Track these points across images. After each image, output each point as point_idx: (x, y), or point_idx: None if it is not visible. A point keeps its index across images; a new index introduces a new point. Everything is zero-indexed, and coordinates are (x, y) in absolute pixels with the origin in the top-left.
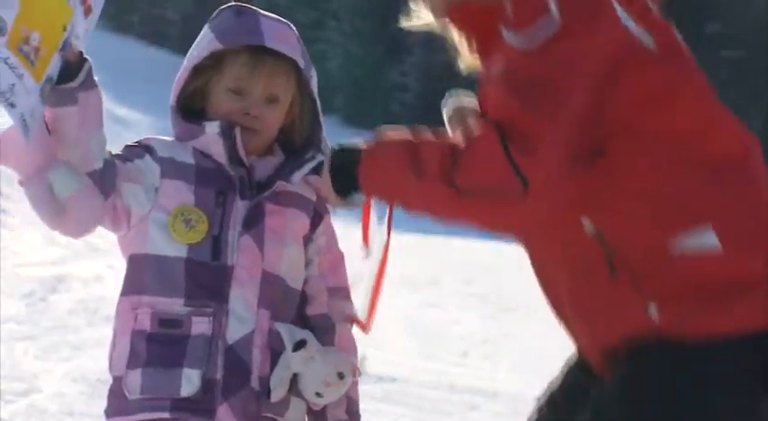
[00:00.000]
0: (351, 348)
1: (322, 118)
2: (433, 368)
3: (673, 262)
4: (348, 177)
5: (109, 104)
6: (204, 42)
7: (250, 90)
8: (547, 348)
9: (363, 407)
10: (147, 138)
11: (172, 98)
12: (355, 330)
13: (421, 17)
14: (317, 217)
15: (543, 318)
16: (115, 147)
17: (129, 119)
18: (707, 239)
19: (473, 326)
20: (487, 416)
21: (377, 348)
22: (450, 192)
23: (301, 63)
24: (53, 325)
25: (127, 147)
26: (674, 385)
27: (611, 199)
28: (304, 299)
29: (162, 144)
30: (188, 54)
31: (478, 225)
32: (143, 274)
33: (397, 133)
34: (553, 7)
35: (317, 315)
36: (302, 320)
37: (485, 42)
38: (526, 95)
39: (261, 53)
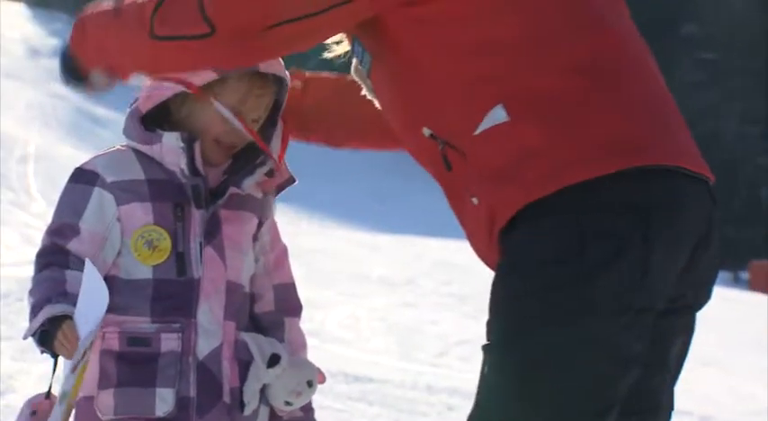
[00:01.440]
0: (301, 342)
1: (280, 121)
2: (411, 368)
3: (475, 146)
4: (68, 59)
5: (86, 104)
6: None
7: (244, 114)
8: None
9: (340, 407)
10: (91, 163)
11: (142, 106)
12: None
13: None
14: (262, 215)
15: None
16: (91, 145)
17: (106, 118)
18: (498, 115)
19: (450, 326)
20: (465, 416)
21: (354, 348)
22: (147, 37)
23: (287, 78)
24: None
25: (72, 189)
26: (501, 273)
27: (425, 96)
28: (252, 297)
29: (106, 165)
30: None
31: (179, 67)
32: (110, 294)
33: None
34: None
35: (265, 312)
36: (251, 319)
37: None
38: None
39: (257, 78)
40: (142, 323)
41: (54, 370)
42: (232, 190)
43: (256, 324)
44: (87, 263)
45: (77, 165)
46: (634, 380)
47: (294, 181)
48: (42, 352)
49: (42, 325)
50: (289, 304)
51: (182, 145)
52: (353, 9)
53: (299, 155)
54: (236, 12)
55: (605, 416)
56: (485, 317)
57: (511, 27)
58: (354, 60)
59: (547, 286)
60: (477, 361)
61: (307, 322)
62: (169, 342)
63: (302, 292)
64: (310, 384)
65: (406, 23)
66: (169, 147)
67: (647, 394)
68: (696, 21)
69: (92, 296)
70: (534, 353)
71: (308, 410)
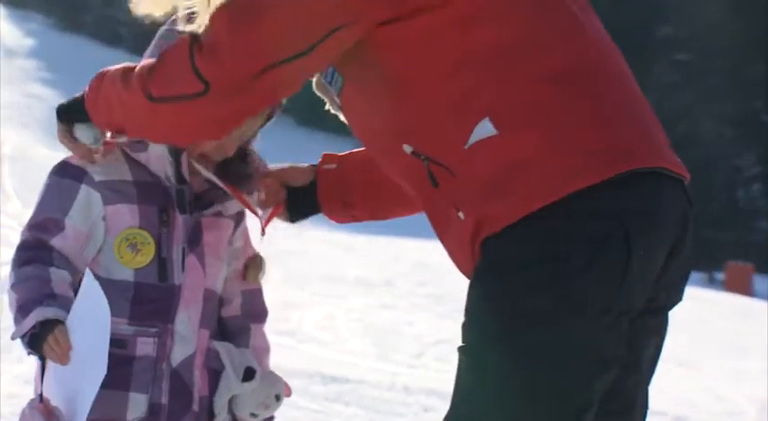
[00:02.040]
0: (265, 348)
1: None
2: (387, 369)
3: (464, 161)
4: (78, 111)
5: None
6: None
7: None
8: None
9: (316, 408)
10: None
11: None
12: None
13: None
14: (238, 220)
15: None
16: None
17: None
18: (485, 129)
19: (427, 327)
20: (441, 417)
21: (331, 349)
22: (146, 100)
23: None
24: (5, 326)
25: (58, 183)
26: (485, 284)
27: (407, 113)
28: (219, 301)
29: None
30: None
31: (177, 132)
32: None
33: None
34: None
35: (231, 317)
36: (219, 323)
37: None
38: (230, 8)
39: None
40: (119, 324)
41: (42, 373)
42: (217, 207)
43: (222, 327)
44: (87, 273)
45: (63, 159)
46: (611, 381)
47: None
48: (30, 353)
49: (33, 327)
50: (255, 309)
51: (170, 158)
52: (340, 38)
53: (273, 153)
54: (225, 62)
55: (583, 417)
56: (461, 318)
57: (490, 39)
58: (317, 76)
59: (529, 287)
60: (453, 361)
61: (283, 322)
62: (145, 346)
63: (279, 294)
64: (278, 398)
65: (384, 42)
66: (156, 156)
67: (622, 394)
68: (671, 23)
69: (91, 306)
70: (514, 353)
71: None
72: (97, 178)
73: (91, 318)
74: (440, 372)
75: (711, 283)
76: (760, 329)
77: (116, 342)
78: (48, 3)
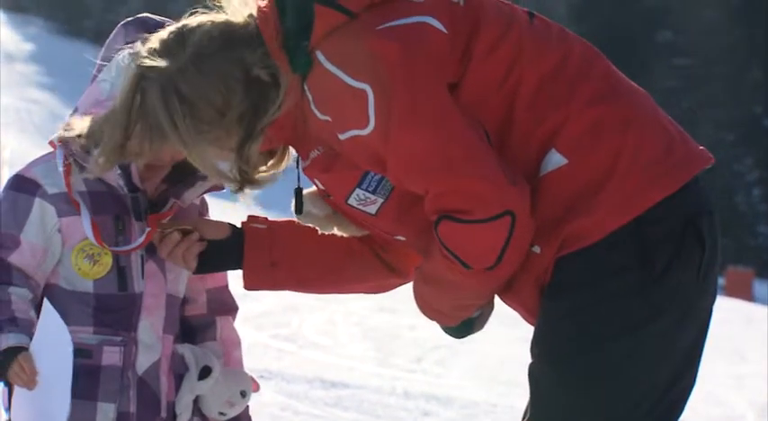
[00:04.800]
0: (235, 340)
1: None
2: (387, 374)
3: (536, 192)
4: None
5: (62, 109)
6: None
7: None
8: (502, 354)
9: (316, 413)
10: (31, 172)
11: (77, 126)
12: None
13: (312, 215)
14: (200, 213)
15: (498, 324)
16: None
17: None
18: (555, 159)
19: (427, 331)
20: None
21: (331, 354)
22: (485, 273)
23: None
24: None
25: (13, 198)
26: (569, 310)
27: None
28: (184, 300)
29: (47, 174)
30: (102, 79)
31: (520, 256)
32: (51, 303)
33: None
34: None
35: (195, 315)
36: (181, 321)
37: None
38: (440, 171)
39: None
40: (83, 333)
41: (9, 398)
42: (173, 202)
43: (186, 325)
44: (45, 303)
45: (17, 172)
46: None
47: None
48: None
49: None
50: (222, 306)
51: (118, 170)
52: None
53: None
54: (504, 191)
55: (677, 414)
56: None
57: (530, 85)
58: (316, 207)
59: (619, 294)
60: (453, 366)
61: (284, 327)
62: (111, 355)
63: (279, 298)
64: (243, 394)
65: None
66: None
67: (689, 390)
68: (671, 28)
69: (52, 332)
70: (605, 361)
71: (245, 417)
72: (50, 191)
73: (53, 343)
74: (440, 377)
75: None
76: (760, 334)
77: (82, 352)
78: (48, 7)
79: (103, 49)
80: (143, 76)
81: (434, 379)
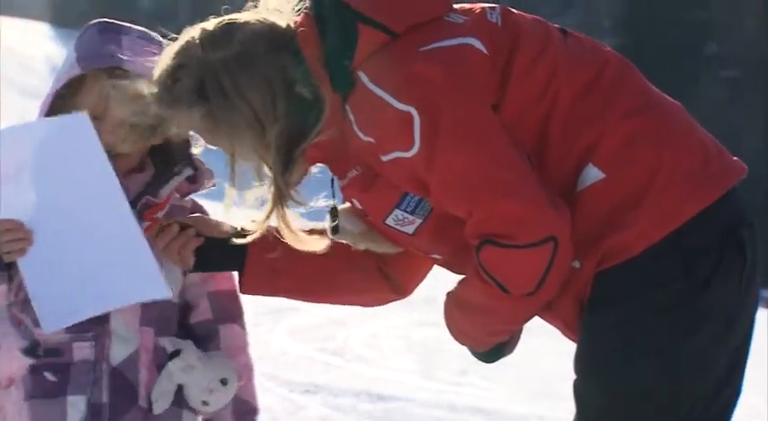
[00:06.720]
0: (238, 346)
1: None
2: (433, 387)
3: (573, 208)
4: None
5: None
6: (66, 67)
7: (104, 117)
8: (548, 367)
9: None
10: None
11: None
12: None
13: (347, 231)
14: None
15: (542, 336)
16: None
17: None
18: (592, 174)
19: None
20: None
21: (376, 367)
22: (527, 298)
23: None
24: None
25: None
26: (615, 323)
27: None
28: (187, 307)
29: None
30: (55, 77)
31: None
32: (24, 305)
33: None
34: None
35: (199, 322)
36: (185, 329)
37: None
38: (482, 190)
39: (121, 76)
40: (55, 333)
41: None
42: (146, 199)
43: (191, 334)
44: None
45: None
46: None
47: (213, 181)
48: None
49: None
50: (225, 313)
51: None
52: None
53: None
54: (546, 215)
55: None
56: None
57: (566, 100)
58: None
59: (665, 304)
60: (499, 379)
61: (330, 341)
62: (82, 350)
63: (324, 311)
64: (224, 382)
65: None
66: None
67: (734, 399)
68: (717, 40)
69: (69, 150)
70: (651, 372)
71: (248, 412)
72: None
73: (71, 167)
74: (485, 390)
75: None
76: (761, 339)
77: (52, 351)
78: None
79: (73, 48)
80: (184, 66)
81: (480, 392)
